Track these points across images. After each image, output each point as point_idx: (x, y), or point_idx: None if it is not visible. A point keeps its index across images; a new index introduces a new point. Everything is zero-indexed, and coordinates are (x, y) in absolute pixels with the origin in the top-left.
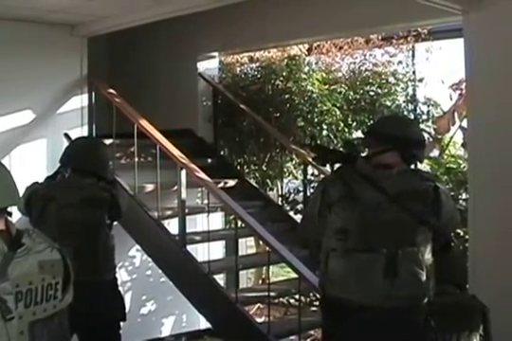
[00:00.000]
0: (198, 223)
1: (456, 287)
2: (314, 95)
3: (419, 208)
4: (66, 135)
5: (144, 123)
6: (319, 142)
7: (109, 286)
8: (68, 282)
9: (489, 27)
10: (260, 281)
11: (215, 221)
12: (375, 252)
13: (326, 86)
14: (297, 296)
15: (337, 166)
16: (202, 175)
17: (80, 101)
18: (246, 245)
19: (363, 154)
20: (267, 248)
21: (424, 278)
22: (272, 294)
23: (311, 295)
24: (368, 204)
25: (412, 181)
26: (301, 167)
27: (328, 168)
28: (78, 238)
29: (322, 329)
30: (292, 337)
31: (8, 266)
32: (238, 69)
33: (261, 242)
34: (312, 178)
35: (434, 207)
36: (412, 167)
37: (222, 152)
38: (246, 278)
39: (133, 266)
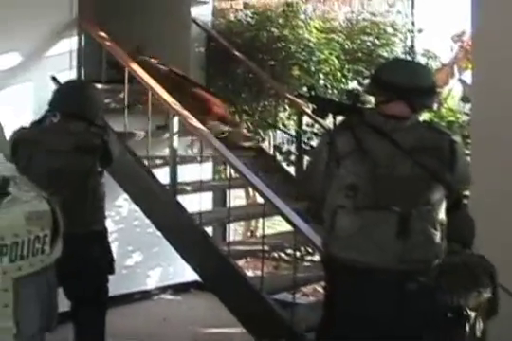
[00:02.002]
0: (185, 173)
1: (461, 245)
2: (311, 43)
3: (435, 164)
4: (54, 79)
5: (136, 68)
6: (317, 92)
7: (98, 238)
8: (57, 235)
9: None
10: (249, 234)
11: (205, 171)
12: (388, 210)
13: (323, 35)
14: (288, 251)
15: (339, 118)
16: (195, 122)
17: (69, 44)
18: (235, 198)
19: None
20: (260, 200)
21: (438, 238)
22: (265, 247)
23: (303, 249)
24: (380, 157)
25: (428, 134)
26: (295, 117)
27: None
28: (67, 186)
29: (325, 289)
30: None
31: None
32: (232, 16)
33: (251, 194)
34: (307, 129)
35: (450, 163)
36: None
37: None
38: (234, 230)
39: (119, 216)
